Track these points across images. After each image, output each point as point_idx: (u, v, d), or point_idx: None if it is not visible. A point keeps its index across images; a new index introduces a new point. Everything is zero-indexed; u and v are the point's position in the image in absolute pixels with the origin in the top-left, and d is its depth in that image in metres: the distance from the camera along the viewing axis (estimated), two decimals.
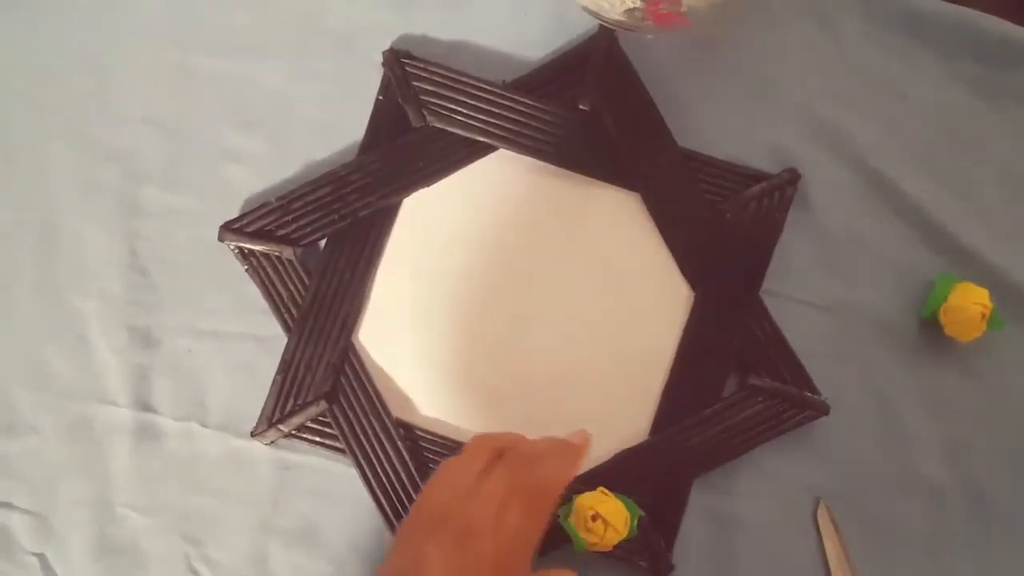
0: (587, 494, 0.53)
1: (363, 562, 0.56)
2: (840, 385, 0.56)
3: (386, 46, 0.59)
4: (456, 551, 0.42)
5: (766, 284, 0.57)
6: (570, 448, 0.49)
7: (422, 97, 0.58)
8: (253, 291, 0.58)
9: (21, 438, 0.58)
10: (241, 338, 0.58)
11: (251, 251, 0.58)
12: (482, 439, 0.49)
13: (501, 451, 0.47)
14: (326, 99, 0.60)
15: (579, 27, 0.59)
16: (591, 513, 0.52)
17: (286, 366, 0.57)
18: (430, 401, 0.58)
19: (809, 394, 0.56)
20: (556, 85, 0.59)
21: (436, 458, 0.56)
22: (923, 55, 0.58)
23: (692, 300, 0.57)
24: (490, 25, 0.60)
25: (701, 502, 0.55)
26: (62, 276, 0.59)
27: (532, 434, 0.56)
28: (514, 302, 0.58)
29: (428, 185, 0.59)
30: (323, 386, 0.57)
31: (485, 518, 0.43)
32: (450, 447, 0.56)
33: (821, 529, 0.55)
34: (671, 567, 0.55)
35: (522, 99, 0.58)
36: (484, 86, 0.58)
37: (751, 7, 0.59)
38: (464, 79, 0.58)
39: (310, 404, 0.56)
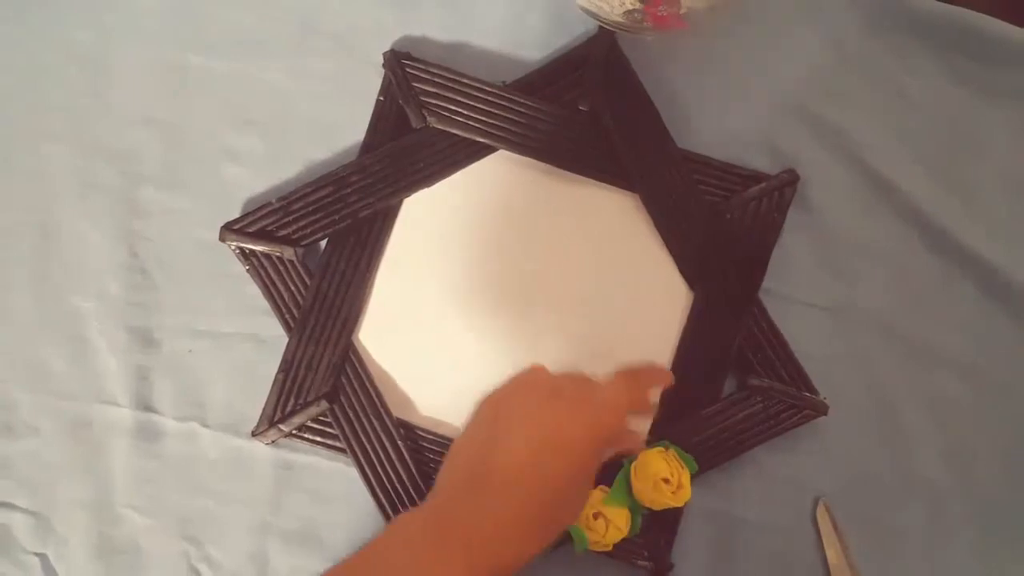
0: None
1: None
2: (840, 385, 0.56)
3: (387, 47, 0.59)
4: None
5: (766, 284, 0.57)
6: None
7: (422, 98, 0.58)
8: (254, 291, 0.58)
9: (22, 439, 0.58)
10: (242, 338, 0.58)
11: (252, 251, 0.58)
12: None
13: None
14: (327, 99, 0.60)
15: (579, 28, 0.59)
16: (593, 511, 0.52)
17: (287, 366, 0.57)
18: (430, 401, 0.58)
19: (808, 394, 0.56)
20: (556, 86, 0.59)
21: (436, 458, 0.56)
22: (923, 55, 0.59)
23: (691, 300, 0.57)
24: (490, 26, 0.60)
25: (701, 502, 0.56)
26: (62, 277, 0.59)
27: None
28: (514, 302, 0.58)
29: (428, 185, 0.59)
30: (324, 386, 0.57)
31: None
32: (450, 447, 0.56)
33: (821, 529, 0.55)
34: (671, 567, 0.55)
35: (522, 100, 0.58)
36: (484, 87, 0.58)
37: (750, 8, 0.59)
38: (464, 80, 0.58)
39: (311, 404, 0.56)
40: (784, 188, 0.57)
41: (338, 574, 0.41)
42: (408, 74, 0.58)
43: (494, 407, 0.45)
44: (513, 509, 0.41)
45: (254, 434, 0.57)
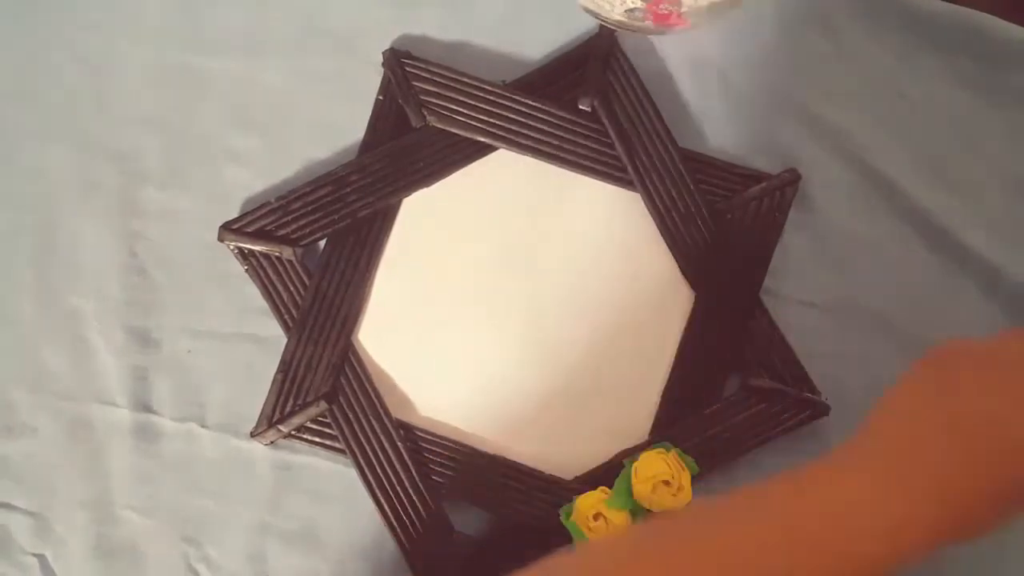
0: (589, 493, 0.53)
1: (363, 562, 0.56)
2: (840, 385, 0.56)
3: (386, 46, 0.59)
4: None
5: (766, 284, 0.57)
6: None
7: (422, 97, 0.58)
8: (253, 291, 0.58)
9: (21, 439, 0.58)
10: (241, 338, 0.58)
11: (251, 251, 0.58)
12: None
13: None
14: (326, 99, 0.60)
15: (579, 27, 0.59)
16: (593, 513, 0.52)
17: (286, 366, 0.57)
18: (430, 402, 0.58)
19: (809, 394, 0.56)
20: (556, 85, 0.59)
21: (436, 459, 0.56)
22: (923, 55, 0.59)
23: (692, 300, 0.57)
24: (490, 25, 0.60)
25: None
26: (61, 276, 0.59)
27: (528, 435, 0.56)
28: (513, 302, 0.58)
29: (428, 185, 0.58)
30: (323, 386, 0.57)
31: None
32: (450, 447, 0.56)
33: None
34: None
35: (522, 99, 0.58)
36: (484, 86, 0.58)
37: (751, 7, 0.59)
38: (464, 79, 0.58)
39: (310, 404, 0.56)
40: (785, 188, 0.57)
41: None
42: (408, 73, 0.58)
43: (938, 364, 0.41)
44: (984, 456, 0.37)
45: (253, 435, 0.57)
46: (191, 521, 0.57)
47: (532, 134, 0.58)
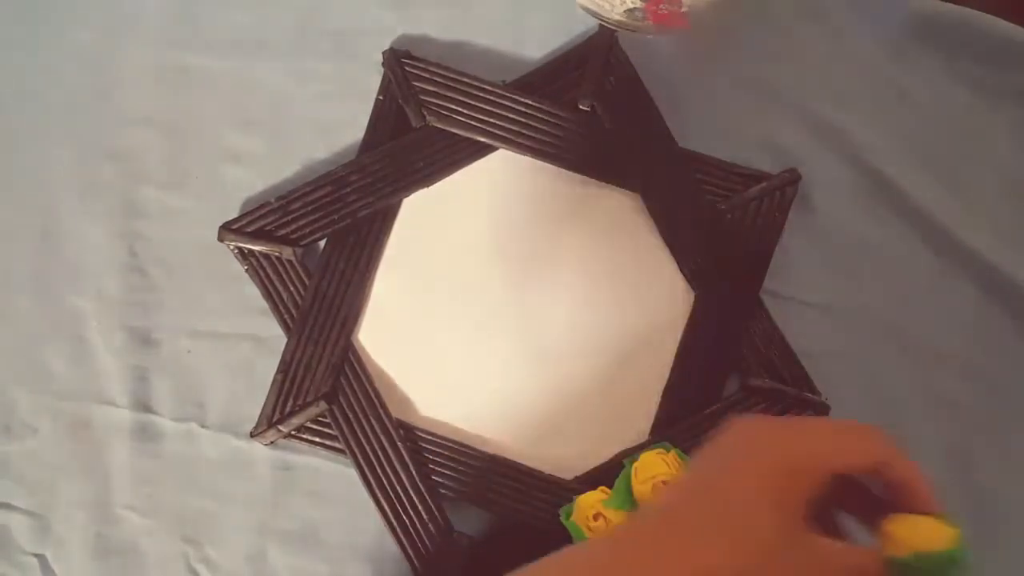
0: (589, 493, 0.53)
1: (363, 563, 0.56)
2: (840, 385, 0.56)
3: (386, 46, 0.59)
4: None
5: (766, 284, 0.57)
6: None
7: (422, 97, 0.58)
8: (253, 291, 0.58)
9: (20, 439, 0.58)
10: (241, 338, 0.58)
11: (251, 251, 0.58)
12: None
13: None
14: (326, 99, 0.60)
15: (579, 27, 0.59)
16: (593, 512, 0.52)
17: (286, 366, 0.57)
18: (430, 401, 0.58)
19: (809, 394, 0.56)
20: (556, 85, 0.59)
21: (435, 459, 0.56)
22: (923, 55, 0.59)
23: (692, 300, 0.57)
24: (490, 25, 0.60)
25: None
26: (61, 276, 0.59)
27: (528, 435, 0.56)
28: (514, 302, 0.58)
29: (428, 185, 0.58)
30: (323, 386, 0.57)
31: None
32: (450, 447, 0.56)
33: None
34: None
35: (522, 99, 0.58)
36: (484, 86, 0.58)
37: (751, 7, 0.59)
38: (464, 79, 0.58)
39: (310, 404, 0.56)
40: (785, 188, 0.57)
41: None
42: (408, 73, 0.58)
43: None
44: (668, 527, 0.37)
45: (253, 435, 0.57)
46: (191, 521, 0.57)
47: (532, 134, 0.58)
